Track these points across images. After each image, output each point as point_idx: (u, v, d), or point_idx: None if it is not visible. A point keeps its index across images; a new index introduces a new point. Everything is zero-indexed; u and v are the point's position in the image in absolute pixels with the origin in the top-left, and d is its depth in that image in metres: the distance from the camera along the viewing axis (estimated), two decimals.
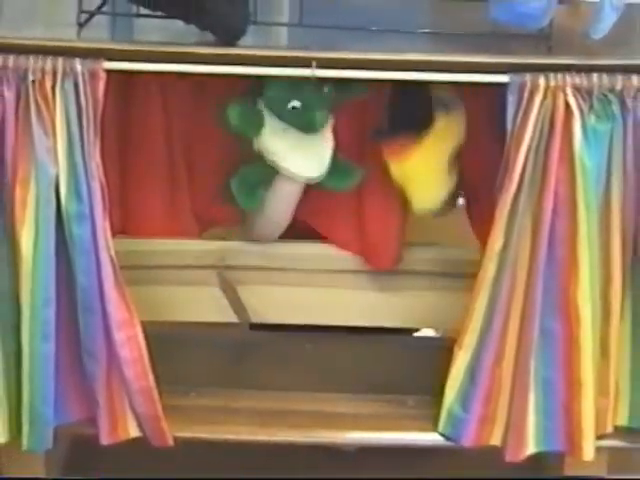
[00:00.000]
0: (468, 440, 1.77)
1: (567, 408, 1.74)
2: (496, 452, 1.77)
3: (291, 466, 1.94)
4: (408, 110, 1.80)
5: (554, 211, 1.67)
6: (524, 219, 1.68)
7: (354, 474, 1.96)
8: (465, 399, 1.75)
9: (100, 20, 1.72)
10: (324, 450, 1.94)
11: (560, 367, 1.73)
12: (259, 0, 1.69)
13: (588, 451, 1.75)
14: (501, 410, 1.75)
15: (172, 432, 1.77)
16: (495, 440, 1.77)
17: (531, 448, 1.77)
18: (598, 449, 1.76)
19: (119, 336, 1.69)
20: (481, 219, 1.85)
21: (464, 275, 1.85)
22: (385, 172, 1.84)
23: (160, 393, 1.75)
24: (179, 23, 1.64)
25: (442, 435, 1.79)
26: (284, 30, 1.76)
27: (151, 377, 1.73)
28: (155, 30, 1.69)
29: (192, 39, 1.65)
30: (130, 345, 1.71)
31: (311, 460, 1.94)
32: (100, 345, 1.70)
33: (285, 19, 1.81)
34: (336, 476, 1.95)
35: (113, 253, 1.67)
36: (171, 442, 1.77)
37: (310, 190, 1.85)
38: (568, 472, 1.85)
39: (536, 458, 1.79)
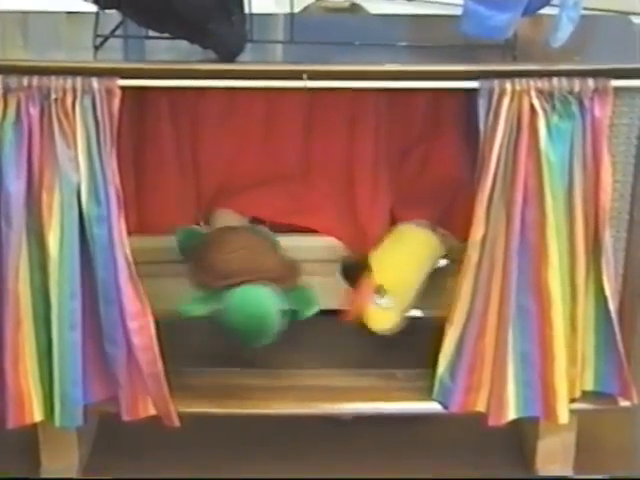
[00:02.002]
0: (456, 406, 1.78)
1: (543, 378, 1.75)
2: (480, 417, 1.78)
3: (293, 435, 1.95)
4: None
5: (524, 201, 1.67)
6: (499, 209, 1.68)
7: (350, 440, 1.97)
8: (453, 370, 1.76)
9: (114, 43, 1.72)
10: (323, 419, 1.94)
11: (535, 340, 1.73)
12: (255, 21, 1.68)
13: (563, 415, 1.76)
14: (484, 380, 1.76)
15: (186, 409, 1.77)
16: (480, 407, 1.77)
17: (512, 414, 1.77)
18: (569, 412, 1.77)
19: (132, 325, 1.70)
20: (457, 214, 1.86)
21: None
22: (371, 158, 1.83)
23: (172, 373, 1.75)
24: (184, 43, 1.65)
25: (437, 401, 1.79)
26: (279, 47, 1.75)
27: (160, 363, 1.73)
28: (163, 50, 1.68)
29: (196, 57, 1.65)
30: (142, 333, 1.71)
31: (311, 429, 1.95)
32: (119, 333, 1.71)
33: (280, 37, 1.80)
34: (334, 442, 1.95)
35: (128, 250, 1.67)
36: (177, 423, 1.77)
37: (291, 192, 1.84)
38: (543, 433, 1.87)
39: (515, 423, 1.80)
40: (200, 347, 1.93)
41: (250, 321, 1.75)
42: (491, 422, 1.78)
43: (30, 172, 1.65)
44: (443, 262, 1.89)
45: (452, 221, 1.89)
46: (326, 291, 1.91)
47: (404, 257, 1.84)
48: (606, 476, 1.88)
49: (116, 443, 1.95)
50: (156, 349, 1.72)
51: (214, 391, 1.82)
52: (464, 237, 1.72)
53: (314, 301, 1.80)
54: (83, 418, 1.76)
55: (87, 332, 1.72)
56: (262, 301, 1.75)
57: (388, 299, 1.81)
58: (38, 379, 1.74)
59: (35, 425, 1.81)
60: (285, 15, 1.75)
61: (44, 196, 1.65)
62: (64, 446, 1.87)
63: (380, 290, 1.82)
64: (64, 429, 1.80)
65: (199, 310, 1.76)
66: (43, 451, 1.87)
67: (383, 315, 1.82)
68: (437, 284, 1.87)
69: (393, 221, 1.92)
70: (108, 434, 1.96)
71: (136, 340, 1.71)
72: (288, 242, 1.88)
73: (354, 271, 1.84)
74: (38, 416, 1.76)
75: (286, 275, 1.81)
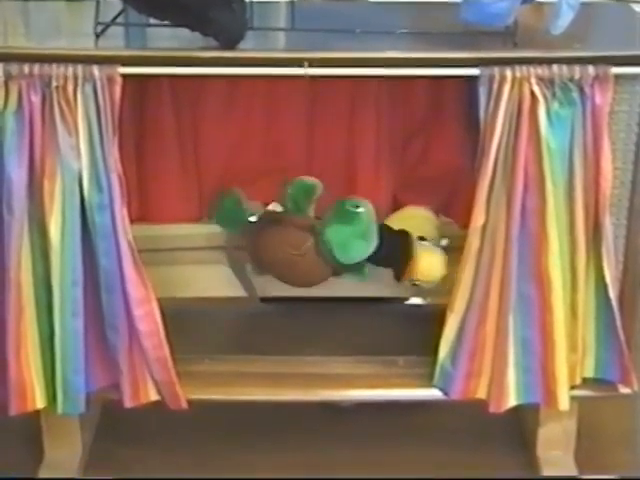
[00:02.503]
0: (457, 393, 1.78)
1: (543, 364, 1.74)
2: (481, 405, 1.78)
3: (295, 422, 1.96)
4: (389, 251, 1.85)
5: (525, 188, 1.67)
6: (499, 196, 1.68)
7: (351, 427, 1.98)
8: (454, 356, 1.76)
9: (115, 30, 1.71)
10: (324, 407, 1.96)
11: (536, 327, 1.73)
12: (256, 8, 1.68)
13: (564, 402, 1.76)
14: (485, 366, 1.76)
15: (189, 395, 1.77)
16: (481, 393, 1.77)
17: (512, 401, 1.77)
18: (570, 399, 1.76)
19: (137, 312, 1.70)
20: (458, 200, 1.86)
21: (445, 249, 1.88)
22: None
23: (178, 361, 1.76)
24: (185, 31, 1.64)
25: (437, 388, 1.79)
26: (280, 34, 1.75)
27: (166, 347, 1.73)
28: (164, 38, 1.68)
29: (197, 45, 1.64)
30: (147, 320, 1.71)
31: (313, 416, 1.96)
32: (121, 320, 1.71)
33: (281, 25, 1.80)
34: (335, 429, 1.96)
35: (131, 238, 1.67)
36: (185, 405, 1.78)
37: None
38: (544, 420, 1.87)
39: (516, 410, 1.80)
40: (201, 334, 1.94)
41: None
42: (492, 409, 1.78)
43: (32, 160, 1.65)
44: (444, 242, 1.90)
45: (454, 209, 1.89)
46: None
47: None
48: (616, 476, 1.88)
49: (119, 430, 1.96)
50: (162, 333, 1.73)
51: (215, 378, 1.82)
52: (466, 224, 1.72)
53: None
54: (85, 405, 1.76)
55: (89, 319, 1.72)
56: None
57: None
58: (40, 366, 1.74)
59: (38, 413, 1.81)
60: (286, 2, 1.74)
61: (46, 184, 1.65)
62: (67, 433, 1.88)
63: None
64: (67, 416, 1.81)
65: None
66: (46, 438, 1.88)
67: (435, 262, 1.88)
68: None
69: (397, 206, 1.93)
70: (111, 421, 1.97)
71: (141, 326, 1.71)
72: None
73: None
74: (40, 403, 1.76)
75: None
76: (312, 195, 1.82)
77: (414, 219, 1.90)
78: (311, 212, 1.85)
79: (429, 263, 1.86)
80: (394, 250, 1.86)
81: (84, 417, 1.85)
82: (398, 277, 1.88)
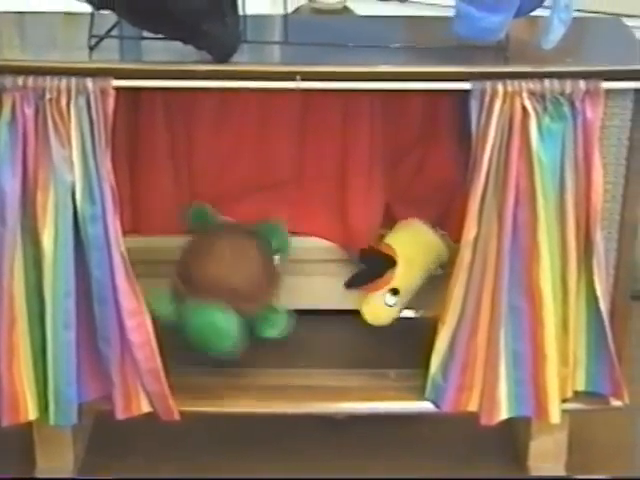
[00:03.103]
0: (448, 406, 1.78)
1: (534, 377, 1.75)
2: (472, 417, 1.78)
3: (288, 434, 1.96)
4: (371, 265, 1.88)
5: (516, 202, 1.67)
6: (491, 209, 1.68)
7: (343, 439, 1.97)
8: (445, 369, 1.76)
9: (109, 43, 1.71)
10: (317, 419, 1.95)
11: (527, 340, 1.74)
12: (250, 22, 1.69)
13: (555, 415, 1.76)
14: (477, 379, 1.76)
15: (181, 407, 1.78)
16: (472, 406, 1.78)
17: (504, 413, 1.78)
18: (561, 412, 1.77)
19: (129, 323, 1.70)
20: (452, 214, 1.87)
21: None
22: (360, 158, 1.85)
23: (170, 373, 1.76)
24: (179, 44, 1.65)
25: (429, 400, 1.80)
26: (273, 48, 1.75)
27: (158, 359, 1.73)
28: (158, 51, 1.68)
29: (190, 58, 1.65)
30: (139, 331, 1.71)
31: (305, 428, 1.95)
32: (113, 331, 1.71)
33: (274, 38, 1.80)
34: (328, 441, 1.96)
35: (124, 249, 1.68)
36: (177, 417, 1.78)
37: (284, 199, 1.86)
38: (536, 433, 1.87)
39: (508, 422, 1.80)
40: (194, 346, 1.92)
41: (206, 339, 1.78)
42: (483, 421, 1.78)
43: (25, 171, 1.65)
44: (439, 271, 1.92)
45: (448, 222, 1.89)
46: (319, 291, 1.93)
47: (421, 261, 1.88)
48: (607, 476, 1.88)
49: (111, 441, 1.96)
50: (154, 345, 1.73)
51: (208, 390, 1.82)
52: (459, 238, 1.72)
53: (278, 324, 1.84)
54: (78, 417, 1.76)
55: (81, 331, 1.72)
56: (218, 325, 1.77)
57: (397, 299, 1.85)
58: (33, 378, 1.74)
59: (30, 424, 1.81)
60: (280, 16, 1.75)
61: (39, 195, 1.65)
62: (59, 445, 1.88)
63: (395, 292, 1.86)
64: (59, 428, 1.80)
65: (164, 311, 1.79)
66: (38, 450, 1.88)
67: (387, 312, 1.87)
68: (430, 284, 1.87)
69: (392, 220, 1.93)
70: (103, 432, 1.97)
71: (133, 337, 1.71)
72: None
73: (374, 261, 1.87)
74: (33, 414, 1.76)
75: (257, 294, 1.84)
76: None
77: (426, 245, 1.90)
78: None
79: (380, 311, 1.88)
80: (376, 273, 1.88)
81: (76, 428, 1.85)
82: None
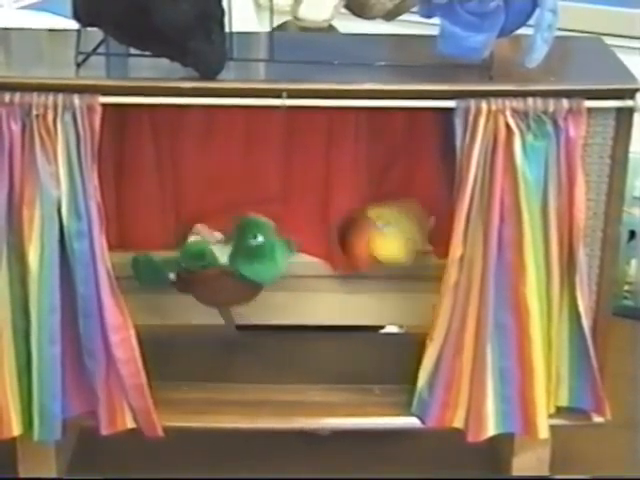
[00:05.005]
0: (433, 421, 1.78)
1: (522, 393, 1.75)
2: (456, 433, 1.78)
3: (272, 449, 1.95)
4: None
5: (501, 219, 1.68)
6: (477, 227, 1.69)
7: (328, 455, 1.96)
8: (431, 385, 1.76)
9: (96, 60, 1.72)
10: (301, 434, 1.94)
11: (514, 357, 1.74)
12: (236, 39, 1.69)
13: (543, 430, 1.76)
14: (462, 396, 1.76)
15: (166, 423, 1.77)
16: (458, 423, 1.78)
17: (491, 430, 1.78)
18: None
19: (114, 338, 1.70)
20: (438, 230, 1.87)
21: (422, 278, 1.87)
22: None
23: (155, 388, 1.75)
24: (165, 61, 1.65)
25: (415, 416, 1.80)
26: (259, 65, 1.75)
27: (143, 375, 1.73)
28: (145, 68, 1.68)
29: (177, 75, 1.65)
30: (124, 346, 1.71)
31: (291, 443, 1.95)
32: (99, 347, 1.71)
33: (261, 55, 1.81)
34: (312, 456, 1.95)
35: (109, 265, 1.68)
36: (161, 433, 1.77)
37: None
38: (518, 449, 1.87)
39: (490, 438, 1.80)
40: (179, 362, 1.93)
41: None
42: (470, 438, 1.78)
43: (11, 187, 1.65)
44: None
45: (434, 239, 1.90)
46: (305, 307, 1.94)
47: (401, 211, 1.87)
48: (587, 476, 1.89)
49: (94, 457, 1.95)
50: (139, 361, 1.73)
51: (192, 405, 1.82)
52: (445, 255, 1.72)
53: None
54: (62, 432, 1.75)
55: (66, 346, 1.71)
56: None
57: (390, 227, 1.83)
58: (17, 393, 1.73)
59: (13, 439, 1.79)
60: (266, 34, 1.75)
61: (25, 211, 1.65)
62: (42, 460, 1.86)
63: (381, 219, 1.84)
64: (42, 443, 1.79)
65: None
66: (21, 465, 1.86)
67: (390, 242, 1.84)
68: (419, 300, 1.88)
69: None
70: (87, 448, 1.96)
71: (118, 353, 1.71)
72: None
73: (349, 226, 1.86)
74: (17, 430, 1.75)
75: None
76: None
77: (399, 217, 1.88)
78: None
79: (384, 242, 1.84)
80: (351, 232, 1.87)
81: (60, 444, 1.84)
82: (355, 254, 1.87)
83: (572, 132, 1.65)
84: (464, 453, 1.91)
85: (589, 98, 1.65)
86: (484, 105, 1.64)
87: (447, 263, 1.71)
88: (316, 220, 1.92)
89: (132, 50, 1.69)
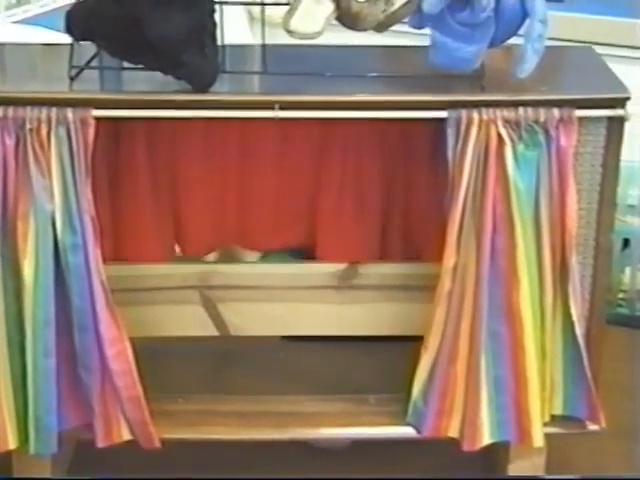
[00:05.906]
0: (428, 431, 1.78)
1: (517, 402, 1.75)
2: (450, 442, 1.78)
3: (270, 460, 1.94)
4: None
5: (494, 228, 1.68)
6: (469, 236, 1.69)
7: (326, 465, 1.95)
8: (426, 394, 1.76)
9: (89, 74, 1.72)
10: (301, 445, 1.94)
11: (508, 365, 1.74)
12: (229, 52, 1.70)
13: (538, 439, 1.77)
14: (457, 405, 1.76)
15: (163, 435, 1.77)
16: (453, 432, 1.78)
17: (486, 439, 1.78)
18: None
19: (110, 351, 1.70)
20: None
21: (416, 288, 1.88)
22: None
23: (151, 400, 1.75)
24: (159, 74, 1.66)
25: (410, 425, 1.80)
26: (252, 78, 1.76)
27: (139, 387, 1.73)
28: (138, 81, 1.69)
29: (170, 88, 1.66)
30: (120, 359, 1.71)
31: (287, 453, 1.94)
32: (94, 359, 1.70)
33: (254, 68, 1.81)
34: (309, 466, 1.95)
35: (104, 278, 1.68)
36: (158, 445, 1.77)
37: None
38: (514, 457, 1.86)
39: (486, 447, 1.80)
40: (174, 373, 1.94)
41: None
42: (465, 447, 1.78)
43: (5, 201, 1.65)
44: None
45: (427, 249, 1.90)
46: (300, 317, 1.94)
47: None
48: (577, 476, 1.89)
49: (91, 470, 1.94)
50: (135, 373, 1.72)
51: (188, 417, 1.82)
52: (438, 264, 1.72)
53: None
54: (57, 445, 1.75)
55: (61, 359, 1.71)
56: None
57: None
58: (12, 406, 1.73)
59: (9, 452, 1.79)
60: (259, 46, 1.76)
61: (19, 225, 1.65)
62: (38, 473, 1.85)
63: None
64: (38, 456, 1.79)
65: None
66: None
67: None
68: (413, 310, 1.88)
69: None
70: (83, 461, 1.95)
71: (114, 365, 1.71)
72: (267, 270, 1.92)
73: None
74: (12, 444, 1.75)
75: None
76: None
77: None
78: None
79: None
80: None
81: (56, 457, 1.84)
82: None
83: (563, 141, 1.66)
84: (459, 461, 1.90)
85: (580, 107, 1.66)
86: (476, 115, 1.64)
87: (441, 272, 1.71)
88: (303, 235, 1.92)
89: (125, 64, 1.70)
